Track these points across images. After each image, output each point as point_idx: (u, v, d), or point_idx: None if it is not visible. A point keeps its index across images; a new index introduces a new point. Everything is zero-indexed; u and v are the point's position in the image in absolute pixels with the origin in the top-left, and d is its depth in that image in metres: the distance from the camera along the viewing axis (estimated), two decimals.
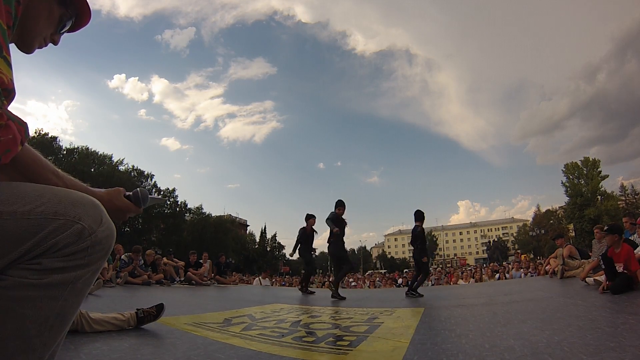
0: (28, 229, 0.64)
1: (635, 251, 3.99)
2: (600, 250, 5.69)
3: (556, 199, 75.46)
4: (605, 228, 4.22)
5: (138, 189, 0.97)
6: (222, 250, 29.37)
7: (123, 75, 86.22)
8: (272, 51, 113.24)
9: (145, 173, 39.60)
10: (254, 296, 6.18)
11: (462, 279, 12.75)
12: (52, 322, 0.67)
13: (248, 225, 57.59)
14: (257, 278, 12.68)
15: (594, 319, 2.37)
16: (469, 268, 20.59)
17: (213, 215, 44.38)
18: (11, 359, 0.64)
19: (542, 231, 42.49)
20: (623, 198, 41.09)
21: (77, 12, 0.90)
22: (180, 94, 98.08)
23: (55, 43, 0.91)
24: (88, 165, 34.16)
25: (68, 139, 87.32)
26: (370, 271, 30.61)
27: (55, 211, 0.67)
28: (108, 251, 0.74)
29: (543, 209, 49.67)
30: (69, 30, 0.94)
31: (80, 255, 0.68)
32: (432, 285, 12.48)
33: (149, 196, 0.98)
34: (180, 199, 41.33)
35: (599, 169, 40.33)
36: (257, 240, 51.39)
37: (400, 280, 14.15)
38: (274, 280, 19.69)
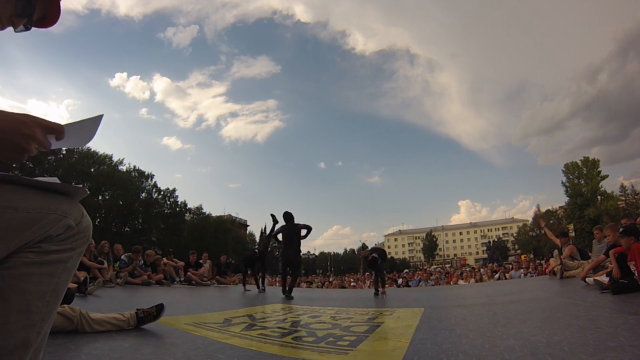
0: (28, 221, 0.77)
1: None
2: (600, 250, 5.69)
3: (557, 199, 75.43)
4: (621, 230, 4.03)
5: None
6: (222, 250, 29.37)
7: (125, 74, 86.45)
8: (275, 50, 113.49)
9: (146, 173, 39.62)
10: (254, 296, 6.18)
11: (462, 279, 12.74)
12: (48, 298, 0.80)
13: (248, 226, 57.67)
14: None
15: (594, 319, 2.37)
16: (469, 268, 20.58)
17: (213, 215, 44.44)
18: (14, 334, 0.75)
19: (542, 231, 42.47)
20: (623, 198, 41.07)
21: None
22: (182, 93, 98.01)
23: (15, 27, 0.87)
24: (88, 165, 34.10)
25: None
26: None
27: (48, 207, 0.79)
28: (89, 238, 0.88)
29: (544, 209, 49.71)
30: (39, 25, 0.91)
31: (69, 241, 0.83)
32: (432, 285, 12.49)
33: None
34: (180, 199, 41.40)
35: (598, 169, 40.30)
36: (257, 240, 51.41)
37: (400, 281, 14.15)
38: (273, 280, 19.69)
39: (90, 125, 0.88)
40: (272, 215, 6.94)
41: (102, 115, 0.89)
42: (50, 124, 0.74)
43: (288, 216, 6.10)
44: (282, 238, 6.13)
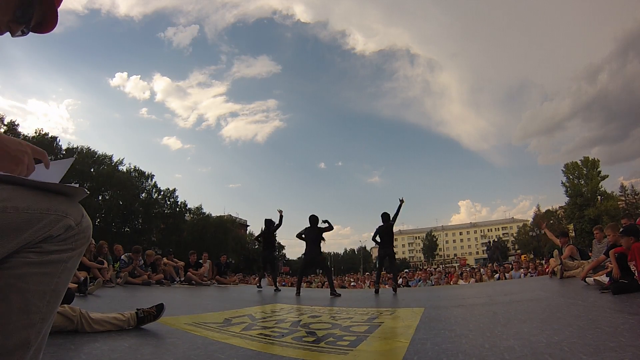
0: (28, 221, 0.77)
1: None
2: (600, 250, 5.68)
3: (557, 199, 75.31)
4: (621, 230, 4.02)
5: None
6: (222, 250, 29.36)
7: (125, 74, 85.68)
8: (275, 50, 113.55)
9: (146, 173, 39.63)
10: (254, 296, 6.18)
11: (462, 279, 12.74)
12: (48, 298, 0.80)
13: (248, 226, 57.67)
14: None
15: (594, 319, 2.37)
16: (469, 268, 20.60)
17: (213, 215, 44.44)
18: (14, 334, 0.75)
19: (543, 232, 42.47)
20: (623, 198, 41.08)
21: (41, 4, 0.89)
22: (182, 93, 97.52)
23: (13, 33, 0.88)
24: (88, 165, 34.09)
25: (69, 138, 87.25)
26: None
27: (48, 207, 0.80)
28: (89, 238, 0.89)
29: (544, 209, 49.76)
30: (36, 30, 0.92)
31: (70, 241, 0.84)
32: (432, 285, 12.48)
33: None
34: (180, 199, 41.44)
35: (598, 169, 40.36)
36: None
37: (400, 280, 14.14)
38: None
39: (61, 165, 0.95)
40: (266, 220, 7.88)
41: (73, 159, 0.99)
42: (37, 148, 0.85)
43: (313, 219, 6.60)
44: (306, 239, 6.57)
